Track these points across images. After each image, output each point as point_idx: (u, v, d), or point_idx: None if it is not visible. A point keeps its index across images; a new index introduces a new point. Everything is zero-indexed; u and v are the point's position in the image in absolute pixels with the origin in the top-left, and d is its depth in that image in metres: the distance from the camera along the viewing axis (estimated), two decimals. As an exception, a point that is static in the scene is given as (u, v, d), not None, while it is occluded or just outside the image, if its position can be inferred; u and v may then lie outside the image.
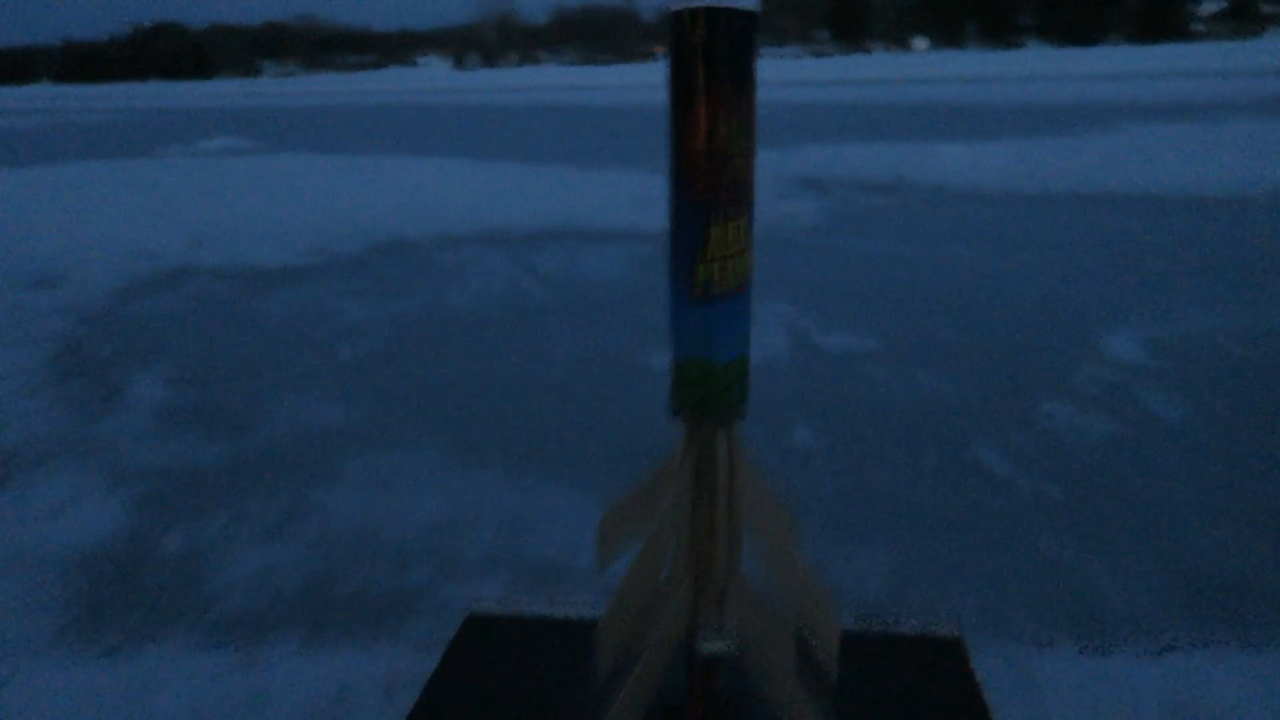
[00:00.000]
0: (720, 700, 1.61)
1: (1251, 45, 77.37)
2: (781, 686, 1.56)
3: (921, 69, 60.85)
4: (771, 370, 4.76)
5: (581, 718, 1.62)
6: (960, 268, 6.90)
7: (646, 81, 57.86)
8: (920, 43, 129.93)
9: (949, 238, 7.93)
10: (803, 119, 22.25)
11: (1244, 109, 19.52)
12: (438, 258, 7.62)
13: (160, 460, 3.77)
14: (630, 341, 5.27)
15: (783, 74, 60.34)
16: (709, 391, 1.54)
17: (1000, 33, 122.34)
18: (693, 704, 1.58)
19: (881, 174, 11.03)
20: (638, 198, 9.72)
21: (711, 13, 1.36)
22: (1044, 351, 5.00)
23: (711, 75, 1.39)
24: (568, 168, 12.45)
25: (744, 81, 1.42)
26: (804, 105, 27.98)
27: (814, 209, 9.35)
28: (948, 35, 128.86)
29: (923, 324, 5.54)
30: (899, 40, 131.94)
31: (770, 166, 12.16)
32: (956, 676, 1.99)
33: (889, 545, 2.99)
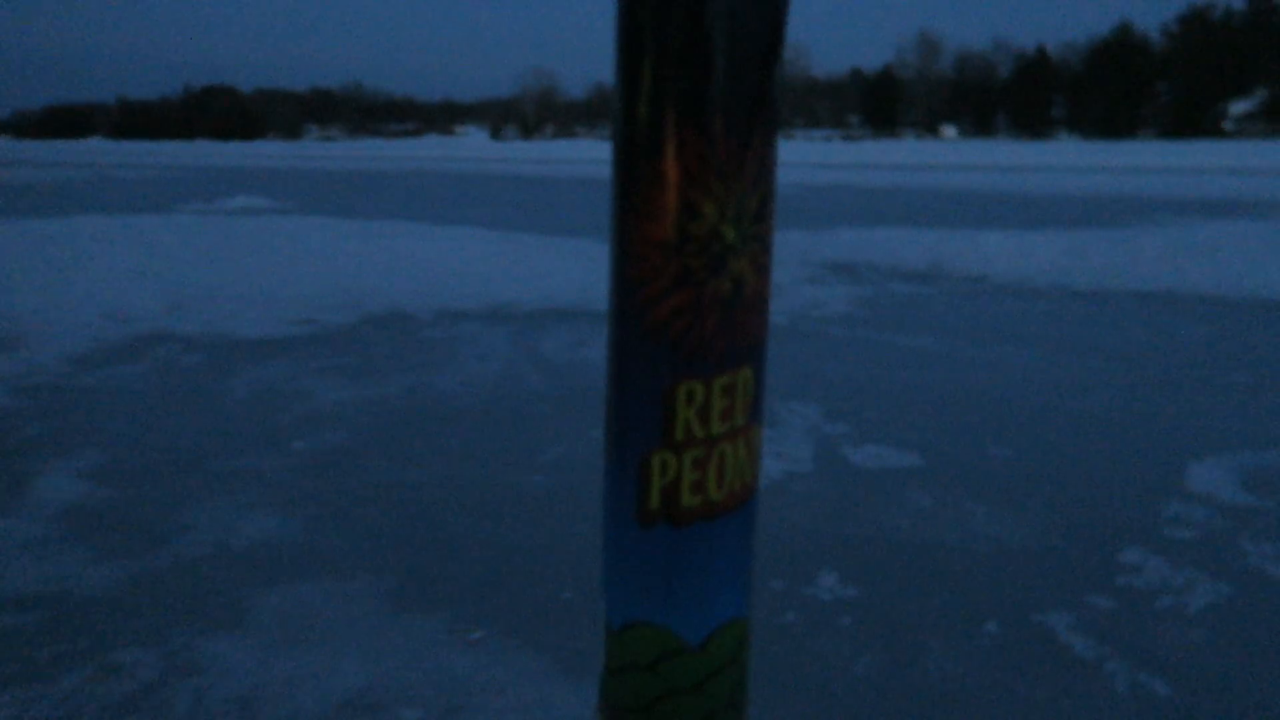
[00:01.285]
0: None
1: (1287, 145, 76.92)
2: None
3: (954, 155, 60.81)
4: (793, 492, 4.01)
5: None
6: (1010, 371, 6.15)
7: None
8: (949, 131, 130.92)
9: (995, 336, 7.19)
10: (833, 201, 21.77)
11: (1296, 207, 18.79)
12: (431, 334, 6.97)
13: (37, 584, 3.06)
14: (630, 446, 4.55)
15: (815, 155, 60.46)
16: (668, 688, 0.81)
17: (1031, 124, 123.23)
18: None
19: (919, 261, 10.33)
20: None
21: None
22: (1116, 478, 4.22)
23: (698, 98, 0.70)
24: (590, 240, 11.90)
25: (759, 108, 0.73)
26: (835, 187, 27.61)
27: (845, 296, 8.67)
28: (978, 124, 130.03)
29: (970, 438, 4.78)
30: (930, 128, 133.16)
31: (797, 247, 11.54)
32: None
33: (945, 770, 2.21)
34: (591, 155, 67.09)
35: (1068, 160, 51.50)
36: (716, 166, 0.73)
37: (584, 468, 4.26)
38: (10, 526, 3.49)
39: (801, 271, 9.71)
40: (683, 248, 0.73)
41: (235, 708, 2.39)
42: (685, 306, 0.75)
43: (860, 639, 2.84)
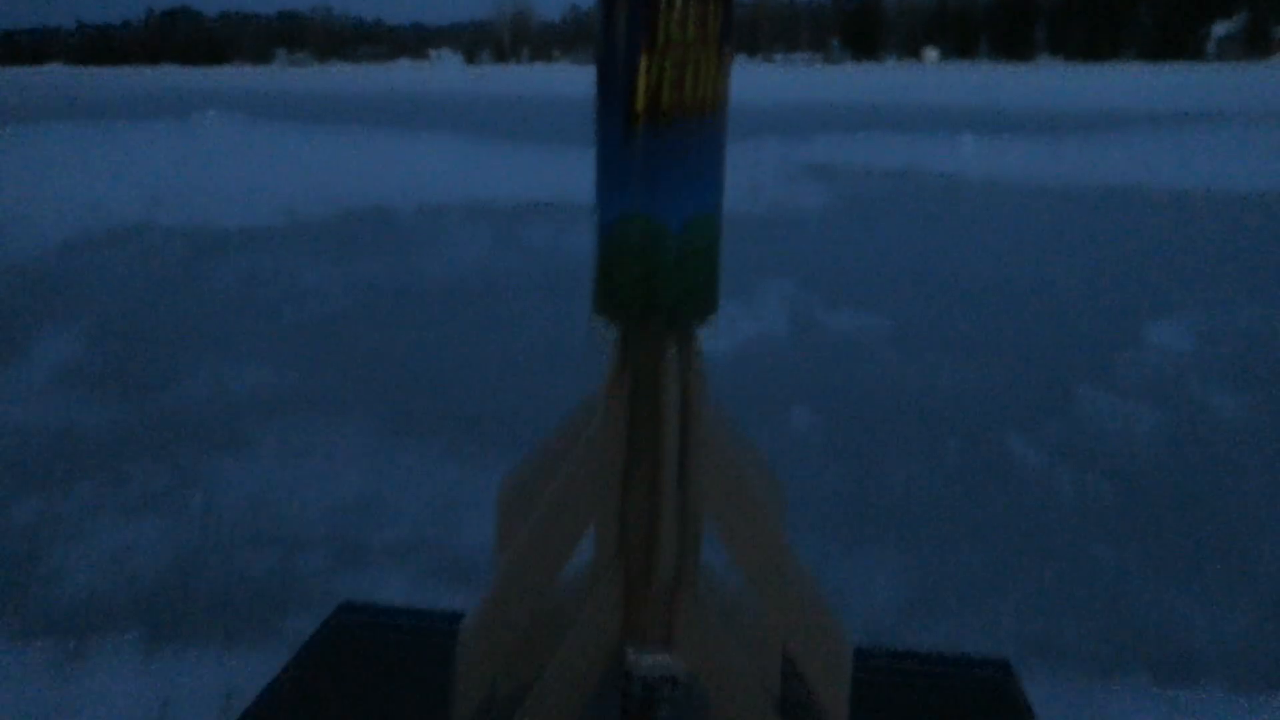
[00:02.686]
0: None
1: (1265, 66, 76.76)
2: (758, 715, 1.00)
3: (935, 77, 60.26)
4: (767, 349, 4.18)
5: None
6: (980, 254, 6.32)
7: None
8: (931, 54, 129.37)
9: (966, 226, 7.35)
10: (812, 115, 21.68)
11: (1271, 117, 18.92)
12: (414, 225, 7.05)
13: (44, 420, 3.20)
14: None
15: (795, 78, 59.71)
16: (654, 271, 0.96)
17: (1013, 47, 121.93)
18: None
19: (894, 162, 10.42)
20: (635, 176, 9.15)
21: None
22: (1079, 340, 4.42)
23: None
24: (567, 146, 11.88)
25: None
26: (814, 104, 27.42)
27: (822, 193, 8.77)
28: (960, 48, 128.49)
29: (939, 306, 4.96)
30: (911, 51, 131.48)
31: (776, 153, 11.59)
32: (1006, 703, 1.42)
33: (906, 553, 2.41)
34: (573, 77, 66.01)
35: (1048, 82, 51.22)
36: None
37: (566, 337, 4.41)
38: (13, 376, 3.61)
39: (779, 172, 9.79)
40: None
41: (246, 507, 2.56)
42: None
43: (828, 459, 3.03)
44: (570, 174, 9.24)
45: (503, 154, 10.68)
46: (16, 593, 2.12)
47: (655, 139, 0.94)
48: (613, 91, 0.94)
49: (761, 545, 0.98)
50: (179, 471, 2.77)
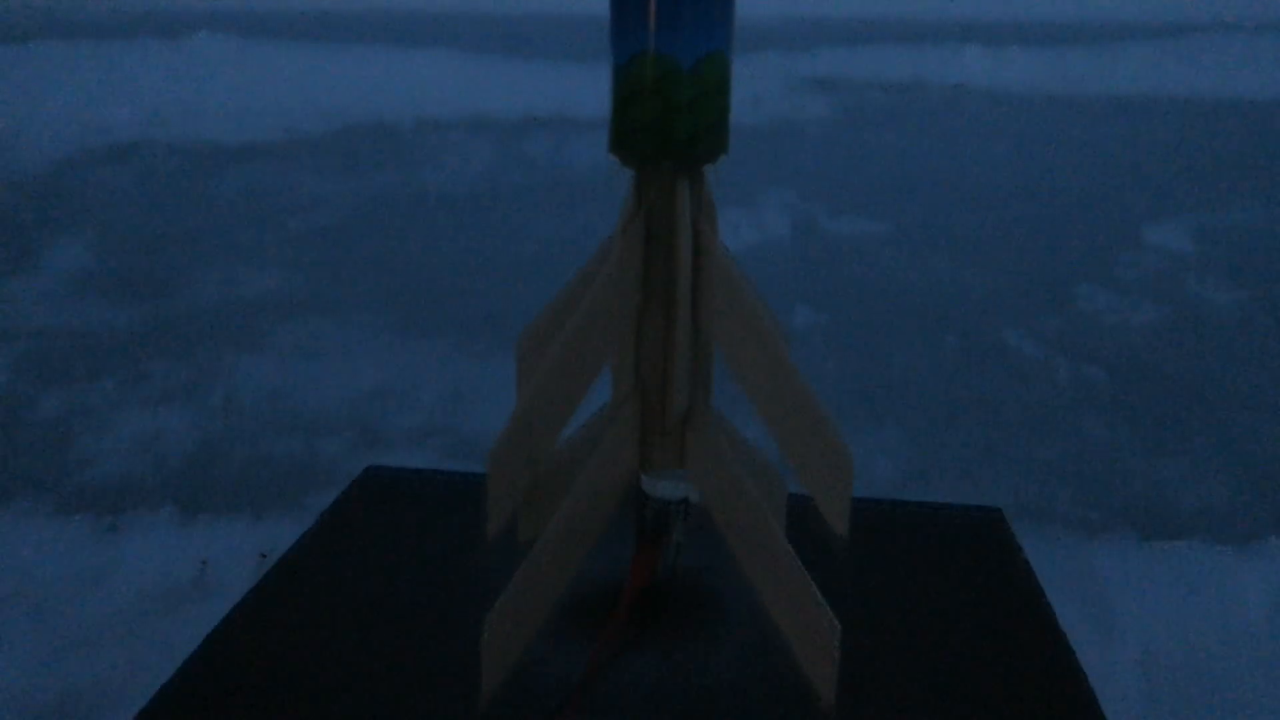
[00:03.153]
0: (673, 565, 1.14)
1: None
2: (759, 548, 1.08)
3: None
4: (770, 255, 4.22)
5: (490, 585, 1.15)
6: (984, 161, 6.30)
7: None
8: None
9: (971, 134, 7.30)
10: (815, 28, 21.27)
11: (1275, 27, 18.56)
12: (415, 140, 7.01)
13: (61, 321, 3.26)
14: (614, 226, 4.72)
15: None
16: (669, 109, 1.01)
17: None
18: (635, 569, 1.10)
19: (898, 74, 10.29)
20: (636, 90, 9.04)
21: None
22: (1076, 237, 4.45)
23: None
24: (565, 63, 11.71)
25: None
26: (817, 17, 26.87)
27: (825, 104, 8.69)
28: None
29: (942, 211, 4.98)
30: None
31: (779, 66, 11.42)
32: (999, 549, 1.50)
33: (905, 429, 2.49)
34: (565, -3, 64.34)
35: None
36: None
37: (573, 240, 4.44)
38: (26, 284, 3.66)
39: (782, 84, 9.67)
40: None
41: (265, 399, 2.63)
42: None
43: (830, 351, 3.10)
44: (570, 89, 9.15)
45: (502, 70, 10.54)
46: (51, 477, 2.21)
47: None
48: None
49: (768, 370, 1.04)
50: (198, 368, 2.84)
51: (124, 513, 2.03)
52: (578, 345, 1.06)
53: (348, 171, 5.91)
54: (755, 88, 9.21)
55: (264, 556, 1.69)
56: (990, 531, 1.55)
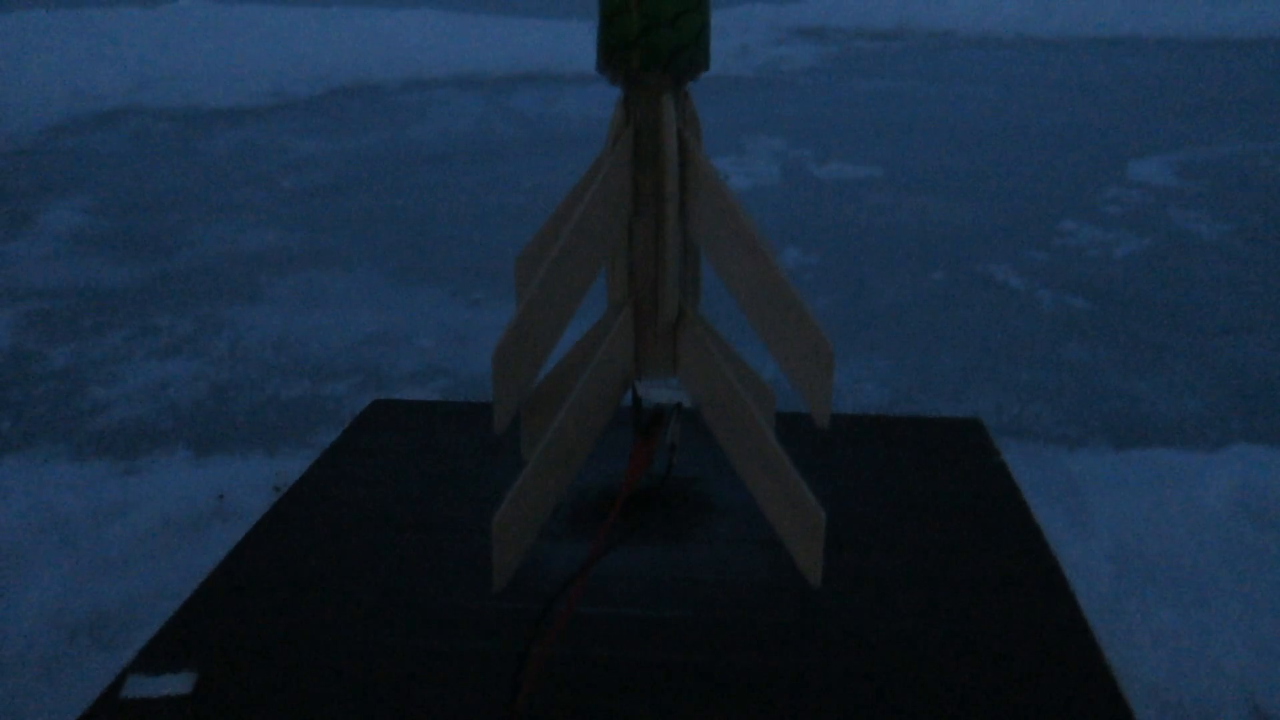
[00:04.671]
0: (668, 465, 1.22)
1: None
2: (747, 445, 1.15)
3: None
4: (760, 200, 4.27)
5: (494, 499, 1.23)
6: (971, 104, 6.33)
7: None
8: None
9: (958, 78, 7.31)
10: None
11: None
12: (403, 99, 7.01)
13: (64, 280, 3.31)
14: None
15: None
16: (651, 24, 1.07)
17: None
18: (631, 464, 1.18)
19: (885, 22, 10.25)
20: (623, 44, 8.99)
21: None
22: (1061, 174, 4.51)
23: None
24: (551, 19, 11.63)
25: None
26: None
27: (812, 53, 8.67)
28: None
29: (929, 154, 5.02)
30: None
31: (764, 16, 11.36)
32: (979, 453, 1.59)
33: (892, 357, 2.57)
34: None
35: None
36: None
37: (562, 190, 4.48)
38: (25, 247, 3.70)
39: (769, 35, 9.64)
40: None
41: (270, 347, 2.70)
42: None
43: (820, 286, 3.16)
44: (555, 45, 9.11)
45: (486, 27, 10.48)
46: (65, 424, 2.28)
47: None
48: None
49: (753, 271, 1.11)
50: (202, 320, 2.90)
51: (140, 455, 2.11)
52: (573, 251, 1.12)
53: (337, 131, 5.92)
54: (743, 38, 9.18)
55: (278, 490, 1.77)
56: (970, 437, 1.64)
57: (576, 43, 9.25)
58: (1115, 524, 1.59)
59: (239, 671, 1.15)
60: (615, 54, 1.10)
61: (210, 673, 1.14)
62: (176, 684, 1.13)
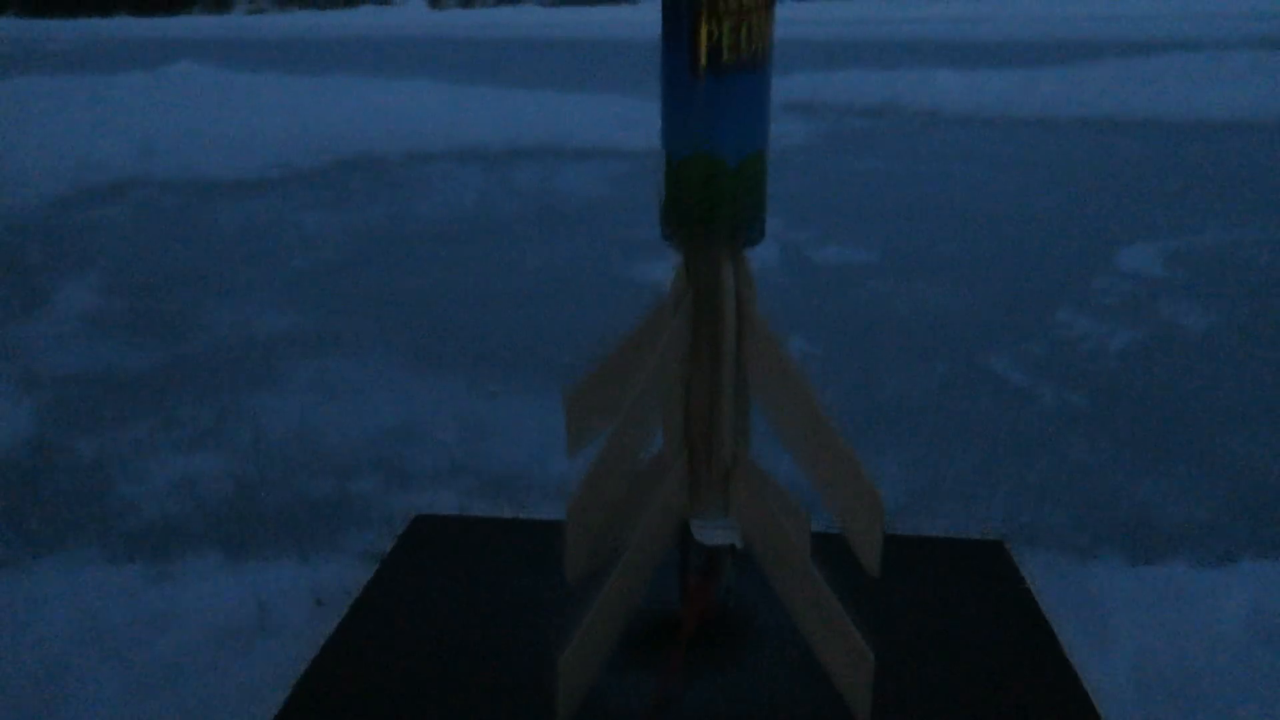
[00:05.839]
0: (724, 604, 1.27)
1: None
2: (799, 587, 1.21)
3: (910, 10, 59.75)
4: (762, 285, 4.37)
5: (549, 624, 1.27)
6: (961, 185, 6.51)
7: (632, 20, 56.61)
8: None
9: (946, 158, 7.52)
10: (787, 51, 21.59)
11: (1241, 44, 19.07)
12: (406, 173, 7.14)
13: (82, 365, 3.36)
14: (609, 252, 4.88)
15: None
16: (716, 200, 1.16)
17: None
18: (688, 608, 1.23)
19: (874, 98, 10.54)
20: (622, 118, 9.22)
21: None
22: (1053, 262, 4.65)
23: None
24: (548, 92, 11.89)
25: None
26: (788, 40, 27.25)
27: (804, 130, 8.90)
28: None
29: (924, 238, 5.16)
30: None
31: (757, 91, 11.62)
32: (1004, 579, 1.65)
33: (903, 457, 2.64)
34: (541, 20, 64.89)
35: (1024, 10, 50.96)
36: None
37: (565, 272, 4.59)
38: (41, 329, 3.75)
39: (760, 111, 9.89)
40: None
41: (293, 439, 2.75)
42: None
43: (825, 377, 3.24)
44: (551, 119, 9.31)
45: (483, 99, 10.70)
46: (96, 524, 2.31)
47: (716, 89, 1.12)
48: (678, 48, 1.13)
49: (806, 425, 1.19)
50: (222, 411, 2.95)
51: (173, 559, 2.14)
52: (638, 409, 1.20)
53: (342, 206, 6.03)
54: (735, 114, 9.40)
55: (320, 603, 1.81)
56: (994, 562, 1.70)
57: (572, 117, 9.46)
58: (1135, 644, 1.65)
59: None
60: (680, 228, 1.18)
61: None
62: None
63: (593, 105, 10.26)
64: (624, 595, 1.22)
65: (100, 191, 6.41)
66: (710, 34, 1.09)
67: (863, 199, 6.15)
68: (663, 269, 5.10)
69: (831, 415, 1.20)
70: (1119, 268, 4.55)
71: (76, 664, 1.67)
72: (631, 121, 8.92)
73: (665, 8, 1.12)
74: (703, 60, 1.10)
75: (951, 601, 1.59)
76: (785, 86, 12.13)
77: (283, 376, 3.23)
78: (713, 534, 1.26)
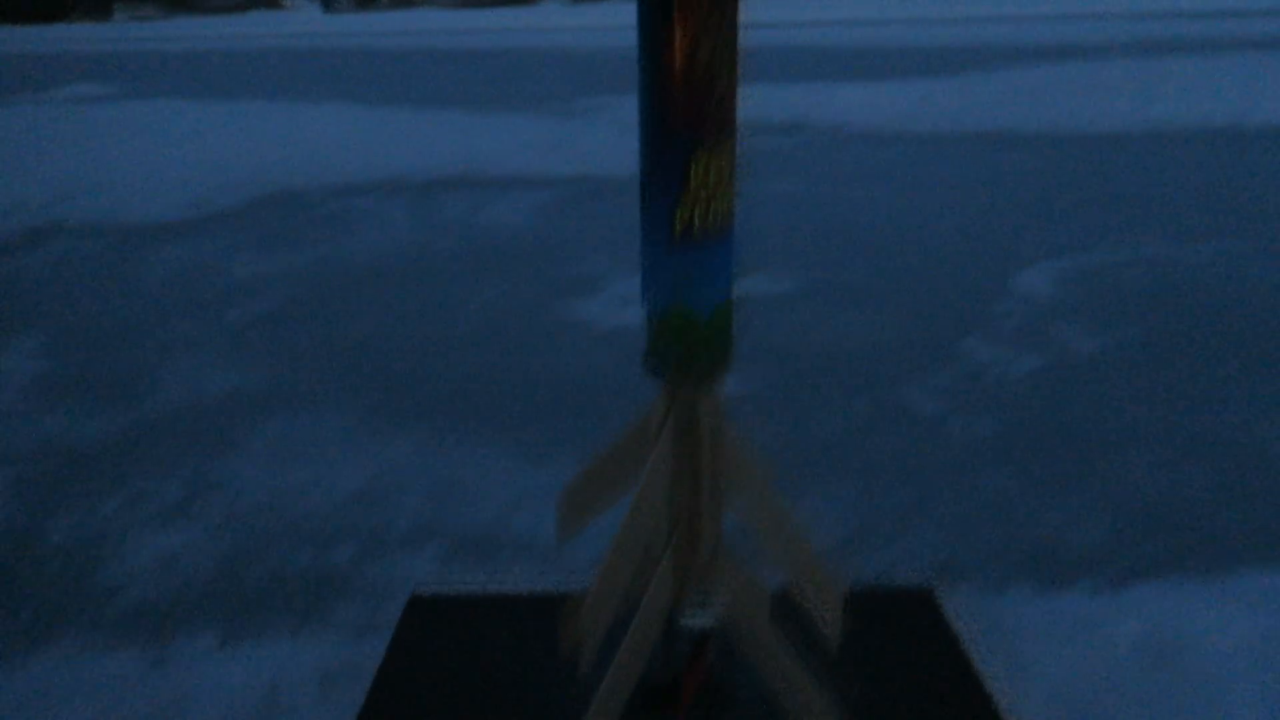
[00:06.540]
0: (713, 677, 1.49)
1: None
2: (772, 658, 1.44)
3: (815, 12, 61.13)
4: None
5: (561, 700, 1.47)
6: (865, 208, 6.89)
7: (533, 25, 56.55)
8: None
9: (852, 179, 7.91)
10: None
11: (1122, 49, 20.20)
12: (327, 209, 7.19)
13: (38, 439, 3.41)
14: (546, 292, 5.06)
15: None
16: (691, 346, 1.38)
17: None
18: (688, 682, 1.45)
19: (782, 116, 10.95)
20: (539, 143, 9.39)
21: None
22: (957, 286, 5.01)
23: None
24: (460, 113, 11.97)
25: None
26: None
27: (717, 152, 9.21)
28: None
29: (837, 265, 5.49)
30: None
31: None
32: (933, 628, 1.91)
33: (833, 497, 2.91)
34: (439, 25, 64.25)
35: (924, 11, 52.70)
36: (707, 20, 1.24)
37: (503, 316, 4.76)
38: (-13, 399, 3.76)
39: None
40: (689, 73, 1.25)
41: (265, 509, 2.88)
42: (694, 111, 1.27)
43: (756, 418, 3.50)
44: (474, 143, 9.42)
45: (401, 123, 10.73)
46: (86, 612, 2.42)
47: (689, 254, 1.34)
48: (657, 220, 1.34)
49: (775, 523, 1.42)
50: (187, 482, 3.05)
51: (168, 643, 2.27)
52: (632, 528, 1.41)
53: (268, 249, 6.07)
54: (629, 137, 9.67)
55: (324, 684, 1.96)
56: (922, 611, 1.96)
57: (490, 142, 9.59)
58: (1047, 673, 1.93)
59: None
60: (660, 365, 1.40)
61: None
62: None
63: (508, 128, 10.40)
64: (630, 670, 1.43)
65: (15, 240, 6.31)
66: (684, 216, 1.31)
67: (777, 225, 6.46)
68: (596, 307, 5.27)
69: (797, 511, 1.43)
70: (1016, 291, 4.93)
71: (106, 758, 1.80)
72: (548, 146, 9.10)
73: (645, 193, 1.34)
74: (678, 234, 1.32)
75: (878, 654, 1.84)
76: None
77: (241, 441, 3.33)
78: (698, 619, 1.48)
